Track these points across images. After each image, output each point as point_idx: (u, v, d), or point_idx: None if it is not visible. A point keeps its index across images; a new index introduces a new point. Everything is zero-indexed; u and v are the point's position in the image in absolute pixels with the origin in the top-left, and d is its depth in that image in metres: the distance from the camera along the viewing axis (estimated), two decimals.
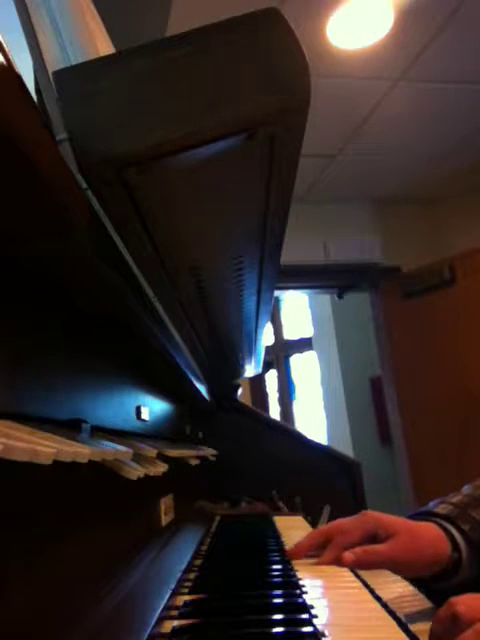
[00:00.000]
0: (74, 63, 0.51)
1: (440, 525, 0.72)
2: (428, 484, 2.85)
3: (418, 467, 3.05)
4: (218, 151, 0.40)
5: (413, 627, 0.52)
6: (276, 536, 1.02)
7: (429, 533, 0.71)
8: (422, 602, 0.66)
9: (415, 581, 0.75)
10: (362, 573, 0.73)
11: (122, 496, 0.65)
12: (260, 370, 1.59)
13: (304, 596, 0.61)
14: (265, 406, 5.62)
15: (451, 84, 2.43)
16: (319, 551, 0.77)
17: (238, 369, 1.48)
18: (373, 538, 0.73)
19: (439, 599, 0.69)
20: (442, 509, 0.74)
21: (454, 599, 0.49)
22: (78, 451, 0.39)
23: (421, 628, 0.52)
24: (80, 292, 0.49)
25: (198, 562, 0.82)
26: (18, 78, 0.29)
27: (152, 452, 0.66)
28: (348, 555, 0.68)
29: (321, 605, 0.59)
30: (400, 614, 0.56)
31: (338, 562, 0.75)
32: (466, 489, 0.78)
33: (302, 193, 3.19)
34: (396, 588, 0.72)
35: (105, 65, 0.40)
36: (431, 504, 0.77)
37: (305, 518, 1.31)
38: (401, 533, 0.70)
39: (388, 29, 2.07)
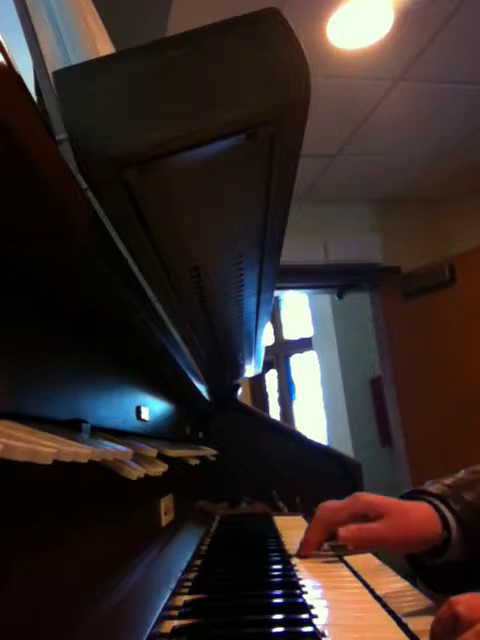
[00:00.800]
0: (74, 63, 0.51)
1: (432, 504, 0.73)
2: None
3: (418, 467, 3.05)
4: (218, 151, 0.40)
5: (412, 625, 0.52)
6: (276, 536, 1.02)
7: (420, 512, 0.72)
8: (422, 600, 0.66)
9: (407, 560, 0.76)
10: (362, 573, 0.73)
11: (122, 496, 0.65)
12: (260, 370, 1.59)
13: (304, 596, 0.61)
14: (265, 406, 5.62)
15: (451, 84, 2.43)
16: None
17: (238, 369, 1.48)
18: (363, 519, 0.74)
19: (431, 582, 0.71)
20: (436, 489, 0.75)
21: (454, 599, 0.49)
22: (78, 451, 0.39)
23: (421, 628, 0.52)
24: (80, 292, 0.49)
25: (198, 562, 0.82)
26: (18, 78, 0.29)
27: (152, 452, 0.66)
28: (342, 531, 0.69)
29: (321, 605, 0.59)
30: (399, 613, 0.56)
31: (319, 541, 0.80)
32: (462, 473, 0.80)
33: (302, 193, 3.19)
34: (394, 586, 0.72)
35: (105, 65, 0.40)
36: (426, 484, 0.79)
37: (305, 518, 1.31)
38: (393, 512, 0.71)
39: (388, 29, 2.07)
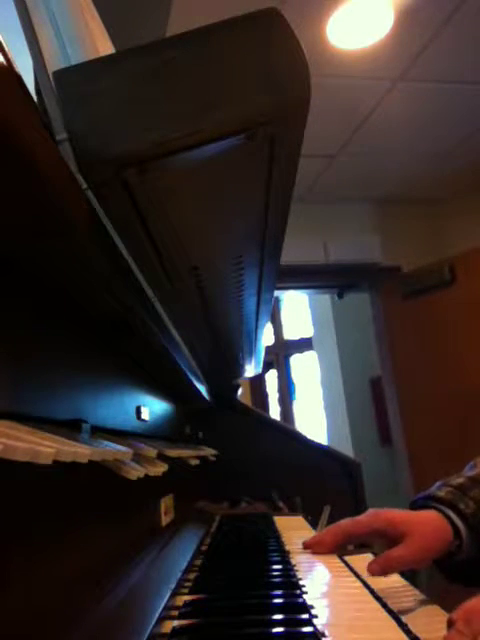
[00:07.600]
0: (74, 63, 0.51)
1: (442, 511, 0.75)
2: (428, 484, 2.84)
3: (418, 467, 3.04)
4: (218, 151, 0.40)
5: (412, 625, 0.52)
6: (276, 536, 1.02)
7: (435, 524, 0.74)
8: (422, 600, 0.66)
9: None
10: (362, 572, 0.73)
11: (122, 496, 0.65)
12: (260, 370, 1.59)
13: (304, 596, 0.61)
14: (265, 406, 5.62)
15: (451, 84, 2.43)
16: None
17: (238, 369, 1.48)
18: (382, 536, 0.75)
19: (447, 575, 0.75)
20: (444, 493, 0.77)
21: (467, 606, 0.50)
22: (78, 451, 0.39)
23: (421, 628, 0.52)
24: (80, 292, 0.49)
25: (198, 562, 0.82)
26: (18, 78, 0.29)
27: (152, 452, 0.66)
28: (373, 566, 0.70)
29: (321, 605, 0.59)
30: (399, 613, 0.56)
31: (334, 544, 0.80)
32: (468, 470, 0.82)
33: (302, 193, 3.19)
34: (395, 586, 0.72)
35: (105, 65, 0.40)
36: (435, 486, 0.80)
37: (305, 518, 1.31)
38: (413, 533, 0.72)
39: (388, 29, 2.07)
